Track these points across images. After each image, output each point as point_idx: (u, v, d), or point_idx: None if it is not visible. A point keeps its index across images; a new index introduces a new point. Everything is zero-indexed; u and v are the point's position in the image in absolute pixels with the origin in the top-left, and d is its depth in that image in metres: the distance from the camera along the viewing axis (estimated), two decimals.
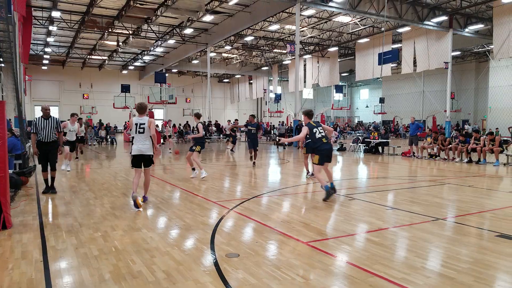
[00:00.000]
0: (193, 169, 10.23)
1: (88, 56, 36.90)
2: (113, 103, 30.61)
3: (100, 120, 32.43)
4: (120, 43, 29.69)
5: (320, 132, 7.21)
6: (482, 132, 25.35)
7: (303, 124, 7.44)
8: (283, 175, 11.62)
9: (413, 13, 23.92)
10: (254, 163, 12.98)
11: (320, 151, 7.16)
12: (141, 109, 6.60)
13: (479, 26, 26.39)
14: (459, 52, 33.44)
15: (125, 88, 28.88)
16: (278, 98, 37.90)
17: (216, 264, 3.96)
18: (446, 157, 14.96)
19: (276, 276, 3.65)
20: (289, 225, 5.43)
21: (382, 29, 24.91)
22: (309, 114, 7.47)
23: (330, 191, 7.09)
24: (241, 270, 3.79)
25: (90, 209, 6.48)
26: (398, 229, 5.34)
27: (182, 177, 10.54)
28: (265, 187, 8.74)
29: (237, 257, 4.15)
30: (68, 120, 11.71)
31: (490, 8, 22.93)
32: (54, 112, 41.18)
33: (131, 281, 3.57)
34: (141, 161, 6.52)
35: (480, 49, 32.62)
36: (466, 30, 26.51)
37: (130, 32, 28.25)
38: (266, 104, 43.18)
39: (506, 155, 14.07)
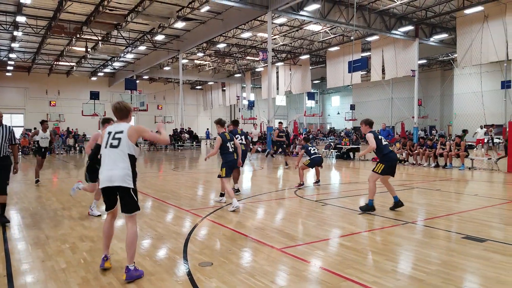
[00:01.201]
0: (222, 194, 7.86)
1: (55, 62, 35.83)
2: (82, 111, 29.81)
3: (68, 128, 31.48)
4: (89, 49, 29.01)
5: (384, 140, 6.87)
6: (448, 138, 26.35)
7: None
8: (258, 182, 11.62)
9: (381, 22, 24.66)
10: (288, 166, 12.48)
11: (389, 159, 6.68)
12: (120, 111, 4.02)
13: (444, 35, 27.52)
14: (425, 61, 34.69)
15: (94, 95, 28.22)
16: (251, 105, 38.04)
17: (189, 273, 3.90)
18: (414, 162, 15.42)
19: (250, 284, 3.63)
20: (262, 232, 5.42)
21: (352, 38, 25.52)
22: (370, 123, 7.00)
23: (399, 203, 6.79)
24: (214, 279, 3.75)
25: (57, 220, 6.26)
26: (369, 233, 5.44)
27: (154, 185, 10.36)
28: (240, 194, 8.71)
29: (210, 265, 4.10)
30: (35, 128, 11.71)
31: (454, 19, 23.92)
32: (19, 120, 39.65)
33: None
34: (115, 198, 3.92)
35: (445, 58, 33.94)
36: (432, 39, 27.57)
37: (99, 38, 27.67)
38: (239, 111, 43.22)
39: (471, 159, 14.67)
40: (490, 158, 14.74)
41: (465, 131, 21.12)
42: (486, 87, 29.33)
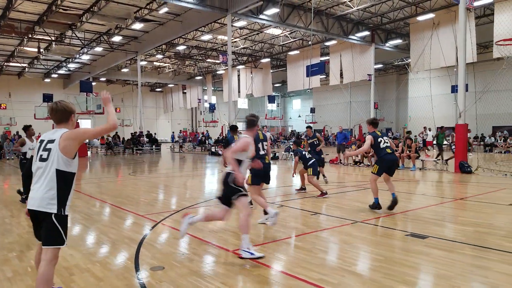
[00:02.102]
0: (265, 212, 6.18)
1: (5, 63, 34.04)
2: (34, 114, 28.50)
3: (18, 132, 29.96)
4: (42, 50, 27.80)
5: (385, 142, 6.94)
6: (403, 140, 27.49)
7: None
8: (216, 185, 11.64)
9: (338, 27, 25.43)
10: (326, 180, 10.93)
11: (383, 161, 6.91)
12: (58, 112, 3.18)
13: (398, 41, 28.80)
14: (382, 65, 36.08)
15: (48, 98, 27.10)
16: (212, 107, 37.94)
17: (139, 278, 3.89)
18: (368, 163, 16.02)
19: (200, 286, 3.68)
20: (217, 235, 5.48)
21: (309, 42, 26.13)
22: (374, 123, 7.12)
23: (395, 200, 6.98)
24: (165, 283, 3.77)
25: (5, 228, 6.00)
26: (320, 232, 5.64)
27: (110, 190, 10.12)
28: (197, 198, 8.71)
29: (162, 269, 4.12)
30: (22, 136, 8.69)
31: (408, 25, 25.09)
32: None
33: None
34: (39, 226, 3.09)
35: (400, 62, 35.43)
36: (387, 44, 28.77)
37: (53, 39, 26.60)
38: (201, 114, 42.96)
39: (421, 160, 15.46)
40: (439, 159, 15.58)
41: (409, 133, 22.18)
42: (438, 91, 31.01)
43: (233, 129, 8.68)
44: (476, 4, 19.38)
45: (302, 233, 5.56)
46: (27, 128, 8.39)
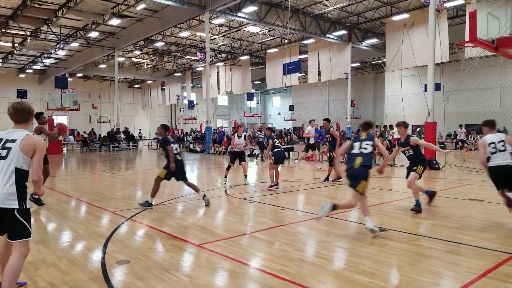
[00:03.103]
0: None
1: None
2: (8, 109, 27.80)
3: None
4: (16, 45, 27.17)
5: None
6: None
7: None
8: (191, 182, 11.74)
9: (316, 26, 25.78)
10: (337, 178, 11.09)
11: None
12: (22, 113, 3.37)
13: (375, 40, 29.35)
14: (359, 64, 36.70)
15: (22, 94, 26.46)
16: (191, 104, 37.86)
17: (104, 271, 4.01)
18: (342, 160, 16.37)
19: (164, 278, 3.84)
20: (185, 230, 5.64)
21: (286, 41, 26.41)
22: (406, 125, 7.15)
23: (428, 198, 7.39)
24: (129, 275, 3.91)
25: None
26: (286, 227, 5.86)
27: (82, 187, 10.11)
28: (170, 195, 8.82)
29: (127, 263, 4.25)
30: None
31: (383, 24, 25.62)
32: None
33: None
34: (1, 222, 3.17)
35: (377, 61, 36.11)
36: (364, 43, 29.29)
37: (28, 34, 26.03)
38: (180, 111, 42.75)
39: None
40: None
41: (385, 127, 22.53)
42: (412, 90, 31.75)
43: (271, 129, 10.59)
44: (447, 5, 20.01)
45: (269, 227, 5.76)
46: (39, 116, 7.53)
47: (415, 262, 4.28)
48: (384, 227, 5.74)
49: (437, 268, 4.09)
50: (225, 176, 10.55)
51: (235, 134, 10.61)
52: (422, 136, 19.57)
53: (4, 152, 3.15)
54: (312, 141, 14.64)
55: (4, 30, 24.68)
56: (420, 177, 7.05)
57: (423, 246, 4.88)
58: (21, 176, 3.16)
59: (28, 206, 3.20)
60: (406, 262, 4.30)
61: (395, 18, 23.06)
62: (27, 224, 3.15)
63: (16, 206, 3.10)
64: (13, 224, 3.11)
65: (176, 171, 7.09)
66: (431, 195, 7.39)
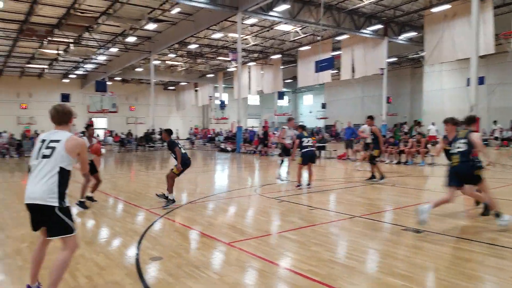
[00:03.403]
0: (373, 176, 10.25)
1: (27, 65, 35.09)
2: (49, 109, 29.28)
3: (36, 131, 30.81)
4: (61, 52, 28.58)
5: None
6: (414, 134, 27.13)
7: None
8: (221, 181, 11.88)
9: (350, 21, 25.23)
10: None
11: None
12: (63, 115, 3.47)
13: (412, 33, 28.19)
14: (396, 59, 35.57)
15: (65, 97, 27.87)
16: (223, 105, 38.25)
17: (138, 267, 4.14)
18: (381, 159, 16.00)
19: (194, 275, 3.90)
20: (215, 228, 5.71)
21: (318, 38, 26.04)
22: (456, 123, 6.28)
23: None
24: (162, 272, 4.01)
25: (18, 222, 6.36)
26: (317, 227, 5.79)
27: (119, 186, 10.47)
28: (201, 193, 8.95)
29: (160, 260, 4.36)
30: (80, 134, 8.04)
31: (422, 17, 24.64)
32: None
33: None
34: (39, 219, 3.29)
35: (415, 55, 34.75)
36: (400, 37, 28.28)
37: (71, 41, 27.30)
38: (212, 111, 43.29)
39: (431, 155, 15.34)
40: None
41: (417, 123, 21.52)
42: (453, 84, 30.46)
43: (302, 127, 9.94)
44: None
45: (299, 227, 5.71)
46: (88, 128, 7.86)
47: (453, 266, 4.10)
48: (420, 228, 5.54)
49: (477, 273, 3.90)
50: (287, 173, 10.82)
51: (286, 127, 10.66)
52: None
53: (48, 151, 3.25)
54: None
55: (50, 39, 26.01)
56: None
57: (462, 249, 4.67)
58: (63, 176, 3.25)
59: (68, 204, 3.27)
60: (443, 265, 4.14)
61: (435, 9, 22.07)
62: (68, 221, 3.23)
63: (56, 204, 3.18)
64: (54, 221, 3.20)
65: (185, 168, 7.54)
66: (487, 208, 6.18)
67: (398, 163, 15.15)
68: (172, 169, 7.47)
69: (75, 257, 4.42)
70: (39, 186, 3.18)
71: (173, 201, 7.33)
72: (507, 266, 4.03)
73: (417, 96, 37.86)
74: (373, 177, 10.38)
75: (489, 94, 15.44)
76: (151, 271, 4.04)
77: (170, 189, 7.41)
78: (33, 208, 3.22)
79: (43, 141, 3.33)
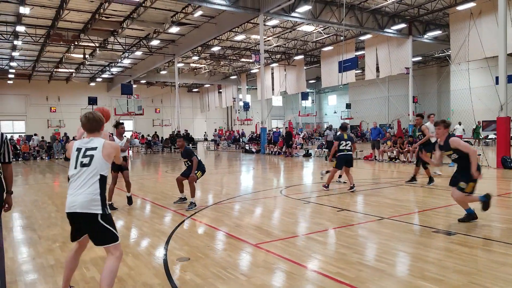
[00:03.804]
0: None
1: (55, 69, 36.31)
2: (80, 116, 30.17)
3: (66, 134, 31.80)
4: (87, 56, 29.41)
5: None
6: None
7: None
8: (247, 182, 11.90)
9: (373, 21, 24.89)
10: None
11: None
12: (94, 122, 3.46)
13: (438, 32, 27.64)
14: (421, 58, 34.84)
15: (92, 100, 28.58)
16: (247, 106, 38.39)
17: (166, 268, 4.19)
18: (405, 159, 15.67)
19: (221, 276, 3.92)
20: (242, 229, 5.71)
21: (342, 38, 25.77)
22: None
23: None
24: (189, 272, 4.04)
25: (51, 222, 6.57)
26: (344, 229, 5.71)
27: (146, 187, 10.64)
28: (226, 194, 9.00)
29: (187, 260, 4.39)
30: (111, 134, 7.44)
31: (447, 15, 24.07)
32: (21, 127, 40.12)
33: (83, 285, 3.76)
34: (81, 227, 3.29)
35: (441, 54, 33.99)
36: (425, 36, 27.74)
37: (97, 45, 28.06)
38: (236, 113, 43.55)
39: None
40: (480, 155, 14.96)
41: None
42: (482, 83, 29.52)
43: (343, 128, 9.33)
44: None
45: (325, 229, 5.66)
46: (117, 126, 7.94)
47: (488, 269, 3.95)
48: (451, 230, 5.38)
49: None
50: (340, 176, 10.36)
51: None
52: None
53: (86, 160, 3.24)
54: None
55: (76, 43, 26.83)
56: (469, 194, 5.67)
57: (497, 252, 4.49)
58: (103, 182, 3.26)
59: (109, 211, 3.26)
60: (477, 269, 3.99)
61: (460, 7, 21.57)
62: (112, 229, 3.19)
63: (100, 211, 3.15)
64: (98, 229, 3.16)
65: (203, 173, 7.87)
66: (485, 201, 5.68)
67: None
68: (196, 173, 7.50)
69: (104, 257, 4.52)
70: (82, 195, 3.15)
71: (194, 204, 7.38)
72: None
73: (445, 95, 36.94)
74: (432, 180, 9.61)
75: None
76: (179, 272, 4.08)
77: (193, 193, 7.43)
78: (76, 217, 3.21)
79: (79, 149, 3.32)
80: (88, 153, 3.27)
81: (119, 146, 3.54)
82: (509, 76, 15.76)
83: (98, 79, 42.21)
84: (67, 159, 5.61)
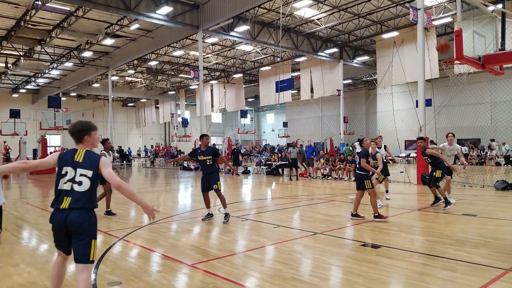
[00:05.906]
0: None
1: None
2: (0, 130, 27.72)
3: None
4: (9, 65, 27.24)
5: None
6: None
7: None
8: (185, 200, 11.70)
9: (308, 44, 26.18)
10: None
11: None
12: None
13: (366, 57, 29.89)
14: (351, 81, 37.18)
15: (14, 113, 26.43)
16: (185, 122, 37.93)
17: None
18: (336, 176, 16.45)
19: None
20: (178, 250, 5.59)
21: (278, 59, 26.76)
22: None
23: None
24: None
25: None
26: (279, 245, 5.84)
27: None
28: (163, 214, 8.75)
29: (119, 284, 4.20)
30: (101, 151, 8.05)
31: (374, 42, 26.10)
32: None
33: None
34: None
35: (369, 78, 36.59)
36: (355, 61, 29.79)
37: (22, 54, 26.15)
38: (174, 129, 42.81)
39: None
40: (402, 172, 16.19)
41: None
42: (404, 106, 32.14)
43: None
44: (435, 23, 20.49)
45: (262, 246, 5.74)
46: (104, 142, 8.35)
47: (409, 280, 4.27)
48: (377, 243, 5.74)
49: (431, 285, 4.08)
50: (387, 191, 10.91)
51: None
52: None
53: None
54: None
55: None
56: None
57: (417, 263, 4.88)
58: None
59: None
60: (399, 279, 4.30)
61: (385, 36, 23.57)
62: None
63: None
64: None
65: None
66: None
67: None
68: (217, 187, 7.49)
69: (26, 284, 4.19)
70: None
71: (229, 214, 7.64)
72: (458, 278, 4.26)
73: (372, 116, 39.59)
74: (437, 199, 9.16)
75: (436, 115, 16.44)
76: None
77: (224, 204, 7.62)
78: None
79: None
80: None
81: (107, 160, 3.47)
82: (427, 100, 17.42)
83: (22, 90, 39.23)
84: None
